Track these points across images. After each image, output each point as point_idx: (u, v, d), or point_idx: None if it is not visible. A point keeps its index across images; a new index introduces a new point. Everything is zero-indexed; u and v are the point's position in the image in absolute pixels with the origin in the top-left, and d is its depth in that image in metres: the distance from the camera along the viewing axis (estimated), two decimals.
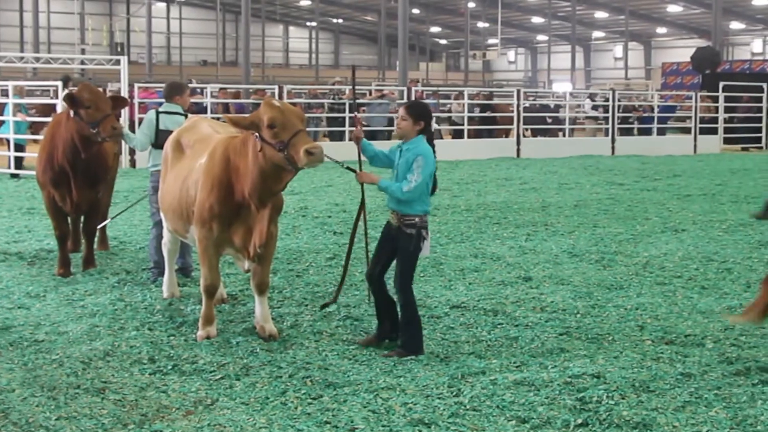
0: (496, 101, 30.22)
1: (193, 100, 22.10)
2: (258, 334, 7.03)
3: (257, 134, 6.45)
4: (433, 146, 6.64)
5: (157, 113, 9.03)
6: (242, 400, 5.70)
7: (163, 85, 10.19)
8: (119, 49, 60.44)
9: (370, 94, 27.65)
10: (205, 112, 21.68)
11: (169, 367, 6.31)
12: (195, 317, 7.53)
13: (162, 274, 8.90)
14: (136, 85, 22.44)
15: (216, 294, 7.29)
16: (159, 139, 8.90)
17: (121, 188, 15.14)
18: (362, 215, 7.07)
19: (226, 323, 7.45)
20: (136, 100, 21.26)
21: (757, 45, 65.14)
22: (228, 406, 5.60)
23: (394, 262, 6.73)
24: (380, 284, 6.85)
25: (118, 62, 21.96)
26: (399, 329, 6.75)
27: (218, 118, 10.82)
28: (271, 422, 5.33)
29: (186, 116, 9.11)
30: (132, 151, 20.38)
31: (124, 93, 20.97)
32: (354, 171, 6.74)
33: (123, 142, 10.35)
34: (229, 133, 7.44)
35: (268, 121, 6.35)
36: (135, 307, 7.94)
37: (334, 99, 25.46)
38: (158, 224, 9.01)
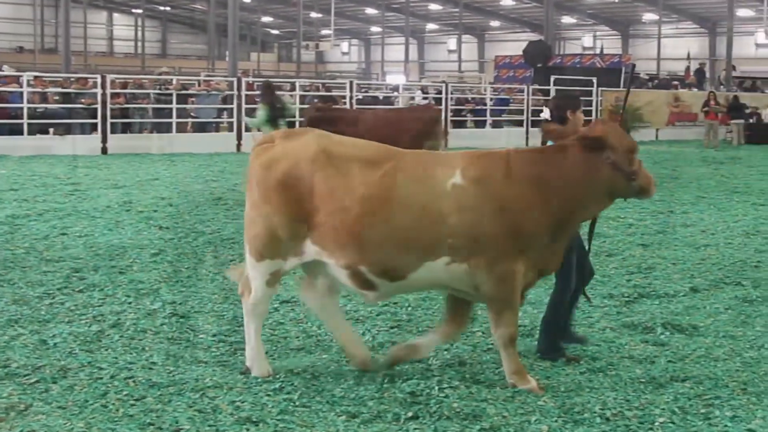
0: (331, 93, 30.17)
1: (7, 89, 21.14)
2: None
3: (608, 156, 5.80)
4: None
5: None
6: (59, 404, 5.42)
7: None
8: None
9: (199, 85, 27.12)
10: (21, 101, 21.05)
11: None
12: (8, 318, 7.16)
13: None
14: None
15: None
16: None
17: None
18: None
19: (42, 323, 7.08)
20: None
21: (587, 40, 67.41)
22: (43, 411, 5.30)
23: None
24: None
25: None
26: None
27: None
28: (90, 426, 5.09)
29: None
30: None
31: None
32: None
33: None
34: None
35: (632, 145, 5.92)
36: None
37: (160, 89, 24.73)
38: None
